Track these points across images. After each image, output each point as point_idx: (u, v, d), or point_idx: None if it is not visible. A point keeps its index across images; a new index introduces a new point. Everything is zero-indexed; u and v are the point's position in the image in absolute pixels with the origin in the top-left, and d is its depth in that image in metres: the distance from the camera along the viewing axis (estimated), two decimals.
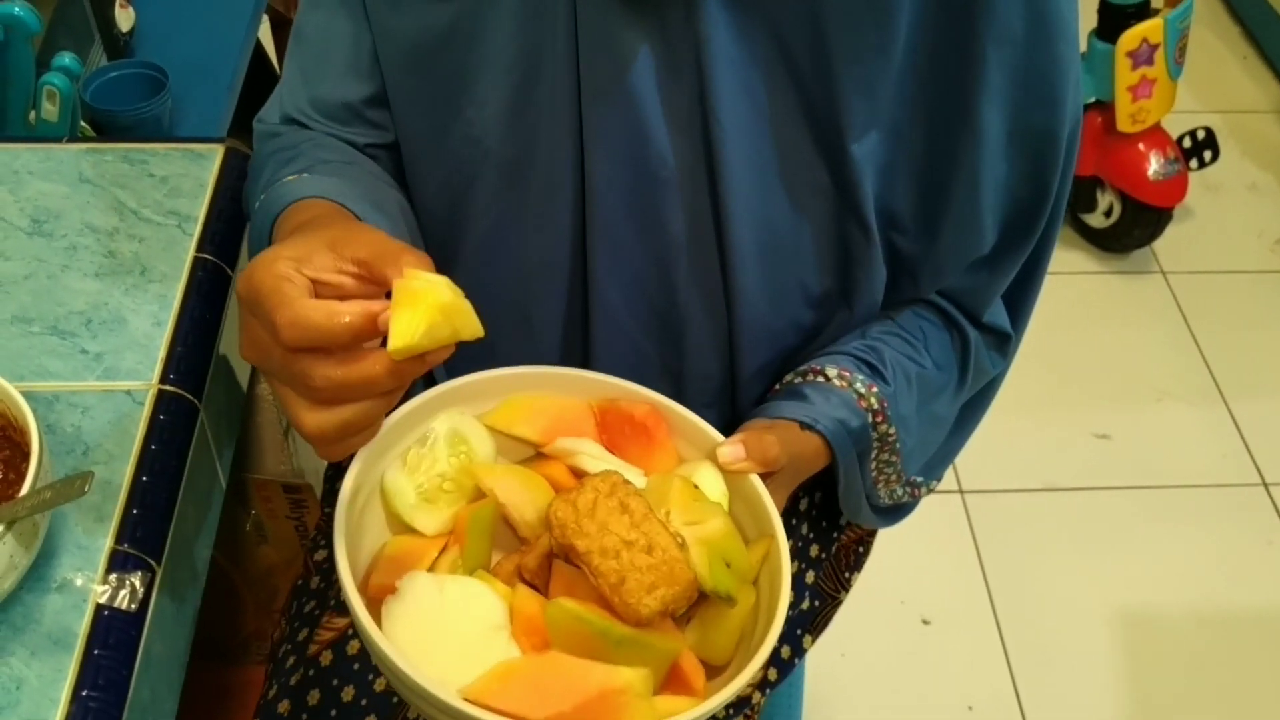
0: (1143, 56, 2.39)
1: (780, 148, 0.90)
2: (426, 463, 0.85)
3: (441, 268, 1.01)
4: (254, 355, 0.72)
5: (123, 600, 0.83)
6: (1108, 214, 2.65)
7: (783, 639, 1.10)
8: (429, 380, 1.00)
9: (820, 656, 1.93)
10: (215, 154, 1.16)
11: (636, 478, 0.85)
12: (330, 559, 0.75)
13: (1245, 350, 2.55)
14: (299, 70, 1.01)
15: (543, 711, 0.72)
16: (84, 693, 0.79)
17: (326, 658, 1.04)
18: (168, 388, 0.96)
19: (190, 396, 0.97)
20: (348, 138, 0.99)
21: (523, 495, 0.84)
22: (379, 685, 1.01)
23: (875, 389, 0.96)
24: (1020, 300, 1.05)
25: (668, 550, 0.76)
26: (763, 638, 0.77)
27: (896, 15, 0.84)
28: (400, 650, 0.71)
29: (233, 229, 1.11)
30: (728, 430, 0.89)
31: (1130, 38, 2.38)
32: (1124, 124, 2.47)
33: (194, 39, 1.73)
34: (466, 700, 0.70)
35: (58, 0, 1.52)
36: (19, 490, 0.78)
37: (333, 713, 1.01)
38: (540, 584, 0.81)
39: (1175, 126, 2.61)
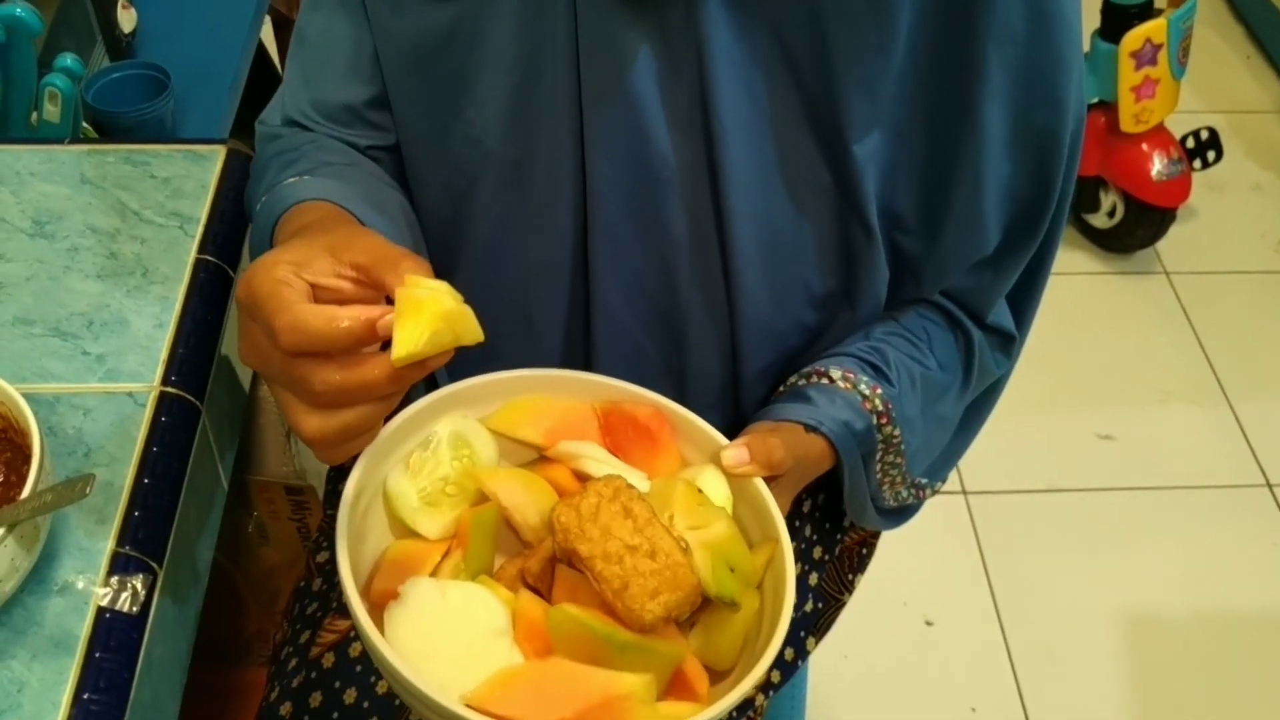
0: (1146, 56, 2.39)
1: (781, 148, 0.90)
2: (429, 466, 0.84)
3: (443, 269, 1.02)
4: (254, 360, 0.72)
5: (124, 603, 0.83)
6: (1111, 214, 2.65)
7: (786, 641, 1.10)
8: (430, 383, 0.99)
9: (823, 658, 1.92)
10: (217, 155, 1.16)
11: (640, 481, 0.85)
12: (332, 561, 0.75)
13: (1249, 351, 2.54)
14: (300, 72, 1.01)
15: (545, 718, 0.71)
16: (85, 696, 0.78)
17: (328, 660, 1.04)
18: (169, 389, 0.96)
19: (192, 398, 0.97)
20: (349, 140, 0.99)
21: (525, 498, 0.84)
22: (381, 688, 1.01)
23: (880, 390, 0.96)
24: (1024, 301, 1.04)
25: (671, 555, 0.75)
26: (767, 643, 0.77)
27: (897, 15, 0.83)
28: (402, 655, 0.71)
29: (235, 230, 1.10)
30: (731, 432, 0.89)
31: (1133, 38, 2.37)
32: (1127, 124, 2.47)
33: (196, 40, 1.73)
34: (469, 706, 0.70)
35: (60, 1, 1.53)
36: (20, 493, 0.78)
37: (335, 715, 1.01)
38: (543, 588, 0.80)
39: (1178, 127, 2.61)
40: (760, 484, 0.85)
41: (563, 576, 0.79)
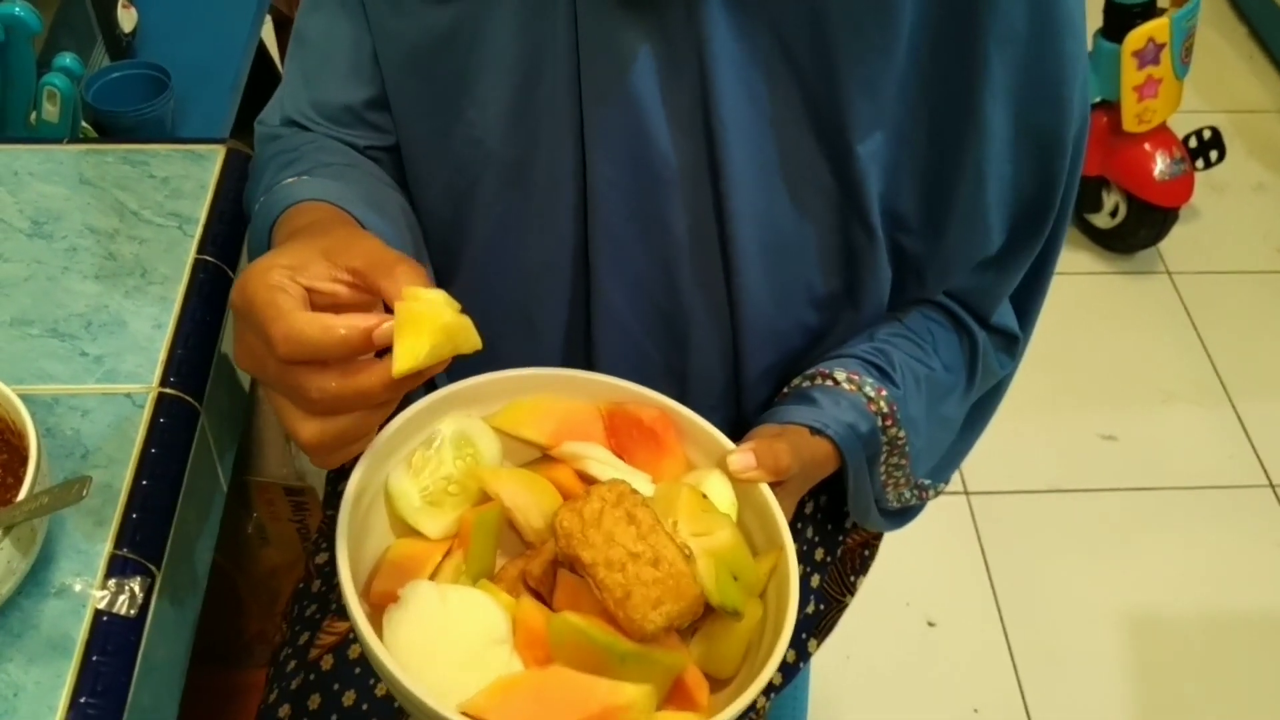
0: (1149, 56, 2.39)
1: (783, 148, 0.90)
2: (432, 465, 0.84)
3: (443, 270, 1.02)
4: (249, 365, 0.71)
5: (122, 606, 0.83)
6: (1113, 214, 2.64)
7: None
8: (430, 384, 0.99)
9: (825, 659, 1.92)
10: (216, 155, 1.15)
11: (644, 483, 0.84)
12: (332, 563, 0.75)
13: (1252, 351, 2.54)
14: (300, 73, 1.00)
15: None
16: (82, 699, 0.78)
17: (328, 662, 1.04)
18: (168, 390, 0.95)
19: (191, 399, 0.96)
20: (349, 140, 0.99)
21: (528, 499, 0.84)
22: (380, 690, 1.01)
23: (884, 392, 0.95)
24: (1028, 301, 1.04)
25: (674, 564, 0.75)
26: (769, 652, 0.76)
27: (899, 14, 0.83)
28: (400, 661, 0.71)
29: (234, 230, 1.10)
30: (733, 433, 0.88)
31: (1136, 37, 2.37)
32: (1130, 124, 2.47)
33: (197, 39, 1.73)
34: (466, 715, 0.70)
35: (60, 1, 1.52)
36: (17, 495, 0.77)
37: (333, 717, 1.00)
38: (545, 591, 0.80)
39: (1181, 126, 2.60)
40: (766, 490, 0.85)
41: (564, 580, 0.78)
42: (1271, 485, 2.29)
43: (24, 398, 0.82)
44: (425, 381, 0.72)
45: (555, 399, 0.89)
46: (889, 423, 0.96)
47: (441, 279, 1.03)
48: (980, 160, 0.90)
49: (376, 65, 0.97)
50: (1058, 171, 0.92)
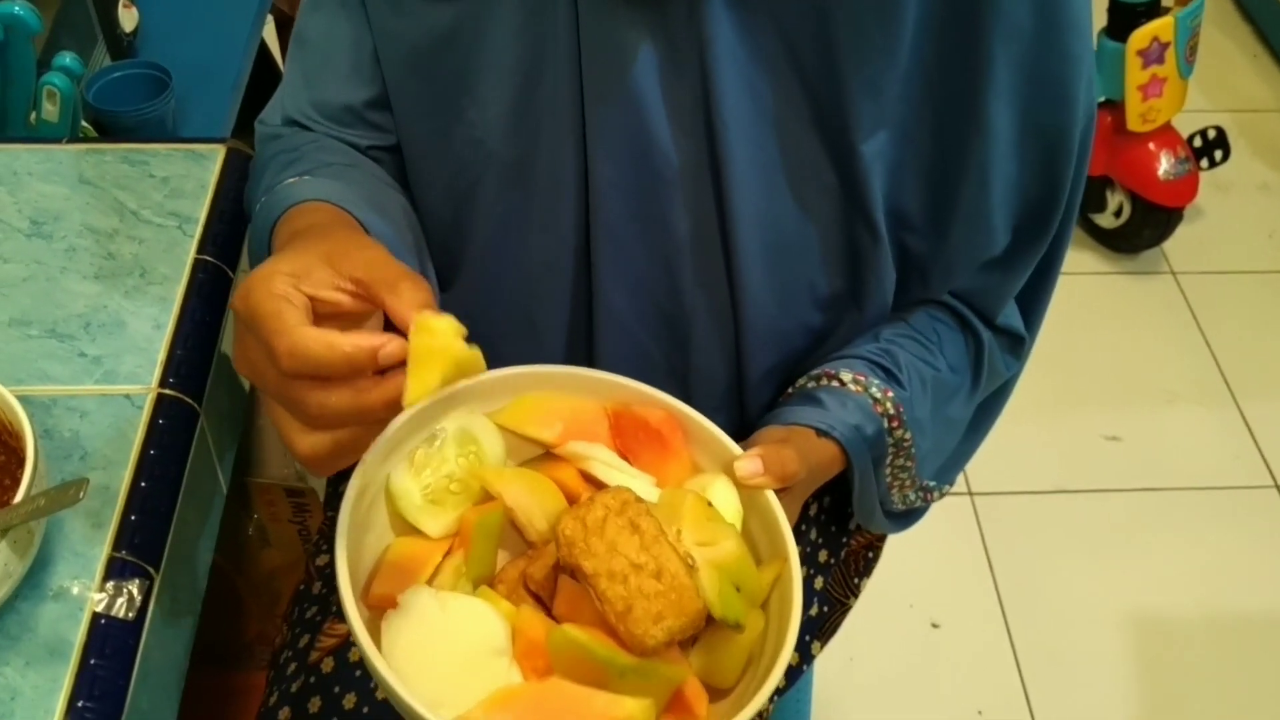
0: (1153, 55, 2.38)
1: (786, 147, 0.89)
2: (434, 463, 0.83)
3: (445, 270, 1.01)
4: (249, 372, 0.71)
5: (120, 609, 0.82)
6: (1117, 214, 2.64)
7: None
8: None
9: (828, 661, 1.91)
10: (217, 154, 1.15)
11: (648, 487, 0.84)
12: (333, 564, 0.74)
13: (1256, 351, 2.53)
14: (300, 73, 1.00)
15: None
16: (80, 703, 0.77)
17: (328, 665, 1.03)
18: (168, 391, 0.95)
19: (190, 400, 0.96)
20: (350, 140, 0.99)
21: (531, 500, 0.83)
22: (381, 694, 1.00)
23: (891, 393, 0.95)
24: (1033, 301, 1.04)
25: (677, 576, 0.74)
26: (770, 665, 0.75)
27: (903, 13, 0.83)
28: (398, 670, 0.70)
29: (234, 230, 1.09)
30: (737, 434, 0.88)
31: (1140, 36, 2.36)
32: (1134, 123, 2.46)
33: (198, 39, 1.72)
34: None
35: (60, 0, 1.52)
36: (13, 497, 0.77)
37: None
38: (545, 595, 0.79)
39: (1185, 126, 2.59)
40: (772, 498, 0.84)
41: (565, 587, 0.78)
42: (1276, 486, 2.28)
43: (22, 399, 0.82)
44: None
45: (561, 397, 0.88)
46: (895, 424, 0.95)
47: (443, 279, 1.02)
48: (984, 160, 0.89)
49: (377, 65, 0.96)
50: (1063, 171, 0.92)
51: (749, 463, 0.84)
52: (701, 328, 0.98)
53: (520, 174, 0.94)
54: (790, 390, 1.00)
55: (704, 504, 0.80)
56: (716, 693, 0.80)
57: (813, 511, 1.14)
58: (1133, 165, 2.53)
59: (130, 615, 0.82)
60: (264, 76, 1.88)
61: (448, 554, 0.82)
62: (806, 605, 1.10)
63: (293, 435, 0.70)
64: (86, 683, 0.78)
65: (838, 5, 0.82)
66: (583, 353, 1.02)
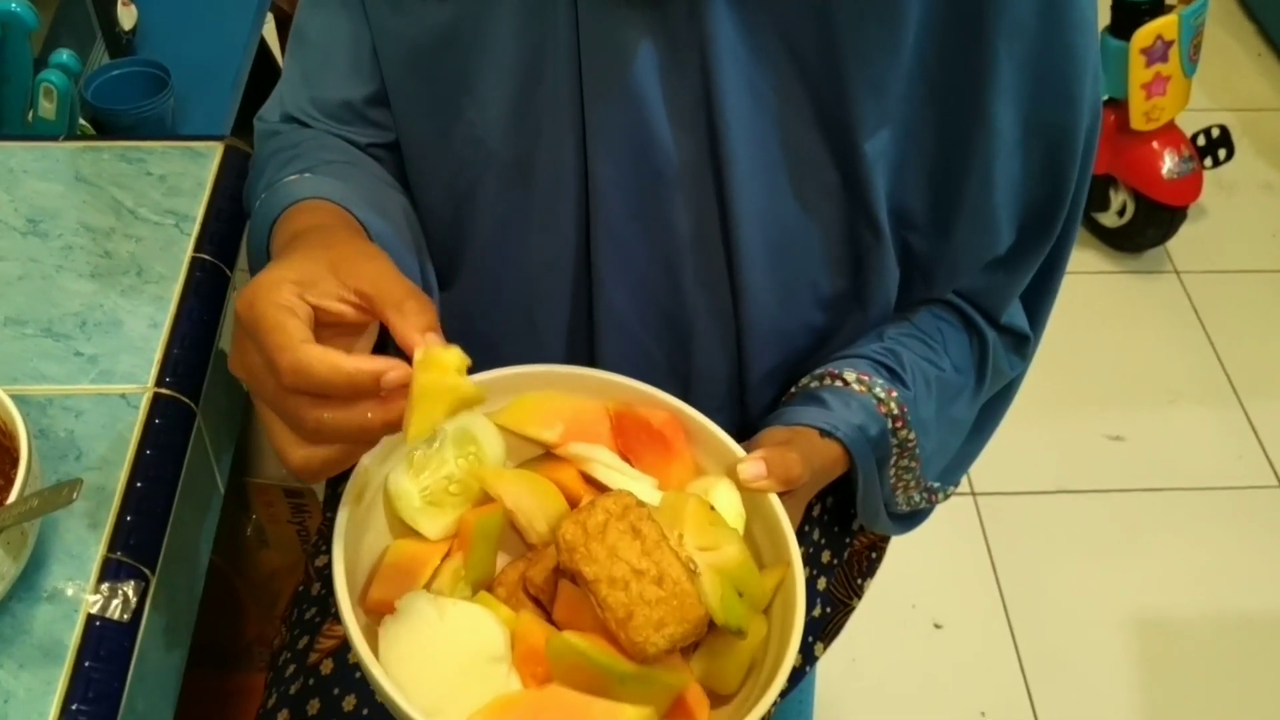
0: (1157, 53, 2.37)
1: (788, 146, 0.89)
2: (433, 464, 0.83)
3: (446, 270, 1.01)
4: (245, 376, 0.71)
5: (115, 610, 0.81)
6: (1121, 213, 2.63)
7: None
8: None
9: (831, 662, 1.91)
10: (214, 152, 1.14)
11: (650, 489, 0.83)
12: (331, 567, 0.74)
13: (1260, 350, 2.52)
14: (300, 71, 1.00)
15: None
16: (74, 706, 0.76)
17: (327, 666, 1.03)
18: (164, 391, 0.94)
19: (187, 400, 0.95)
20: (349, 137, 0.98)
21: (531, 501, 0.82)
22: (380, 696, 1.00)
23: (895, 394, 0.94)
24: (1038, 301, 1.03)
25: (679, 583, 0.73)
26: (773, 671, 0.75)
27: (905, 11, 0.82)
28: (395, 676, 0.70)
29: (232, 228, 1.09)
30: (739, 434, 0.87)
31: (1144, 34, 2.36)
32: (1138, 122, 2.45)
33: (197, 37, 1.71)
34: None
35: None
36: (7, 497, 0.76)
37: None
38: (545, 599, 0.79)
39: (1189, 125, 2.59)
40: (776, 502, 0.83)
41: (565, 591, 0.77)
42: None
43: (17, 398, 0.81)
44: None
45: (562, 397, 0.88)
46: (899, 425, 0.94)
47: (443, 279, 1.01)
48: (988, 159, 0.89)
49: (376, 62, 0.96)
50: (1068, 169, 0.91)
51: (752, 465, 0.83)
52: (703, 327, 0.97)
53: (520, 173, 0.93)
54: (793, 390, 0.99)
55: (706, 508, 0.79)
56: (718, 698, 0.79)
57: (816, 512, 1.13)
58: (1136, 164, 2.53)
59: (125, 617, 0.82)
60: (264, 75, 1.87)
61: (446, 556, 0.81)
62: (809, 606, 1.10)
63: (285, 445, 0.70)
64: (81, 685, 0.78)
65: (839, 3, 0.82)
66: (584, 353, 1.01)
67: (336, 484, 1.21)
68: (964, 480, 2.23)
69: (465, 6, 0.88)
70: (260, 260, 0.88)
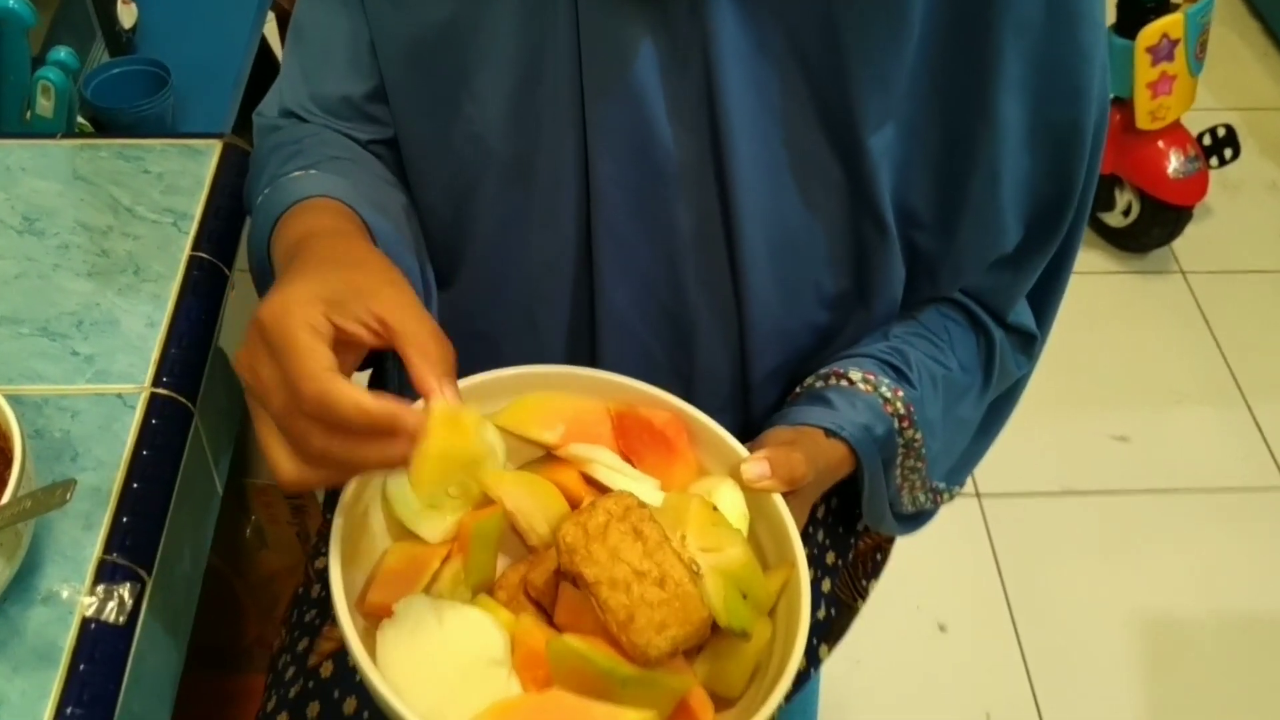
0: (1163, 52, 2.37)
1: (790, 143, 0.88)
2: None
3: (446, 270, 1.00)
4: (253, 384, 0.70)
5: (110, 612, 0.81)
6: (1126, 213, 2.63)
7: None
8: None
9: (834, 664, 1.88)
10: (213, 150, 1.14)
11: (652, 490, 0.82)
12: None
13: (1266, 351, 2.52)
14: (299, 66, 0.99)
15: None
16: (68, 710, 0.76)
17: (327, 669, 1.02)
18: (161, 391, 0.93)
19: (184, 400, 0.94)
20: (350, 134, 0.98)
21: (531, 504, 0.82)
22: None
23: (901, 393, 0.93)
24: (1045, 300, 1.03)
25: (681, 584, 0.72)
26: (778, 674, 0.74)
27: (910, 7, 0.81)
28: (393, 681, 0.69)
29: (231, 227, 1.08)
30: (742, 435, 0.86)
31: (1150, 33, 2.35)
32: (1143, 121, 2.45)
33: (198, 36, 1.71)
34: None
35: None
36: (0, 498, 0.75)
37: None
38: (546, 602, 0.78)
39: (1194, 125, 2.59)
40: (780, 503, 0.82)
41: (566, 594, 0.76)
42: None
43: (12, 398, 0.81)
44: None
45: (563, 397, 0.87)
46: (906, 424, 0.94)
47: (443, 278, 1.01)
48: (994, 156, 0.88)
49: (376, 58, 0.95)
50: (1075, 166, 0.90)
51: (756, 465, 0.82)
52: (705, 327, 0.97)
53: (520, 172, 0.92)
54: (798, 390, 0.98)
55: (709, 509, 0.79)
56: (722, 702, 0.78)
57: (820, 513, 1.12)
58: (1142, 163, 2.52)
59: (121, 619, 0.81)
60: (265, 73, 1.86)
61: (446, 559, 0.80)
62: (814, 608, 1.09)
63: (280, 459, 0.69)
64: (76, 688, 0.77)
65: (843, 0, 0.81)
66: (585, 353, 1.01)
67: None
68: (968, 481, 2.22)
69: (465, 3, 0.88)
70: (262, 256, 0.87)
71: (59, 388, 0.93)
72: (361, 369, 0.83)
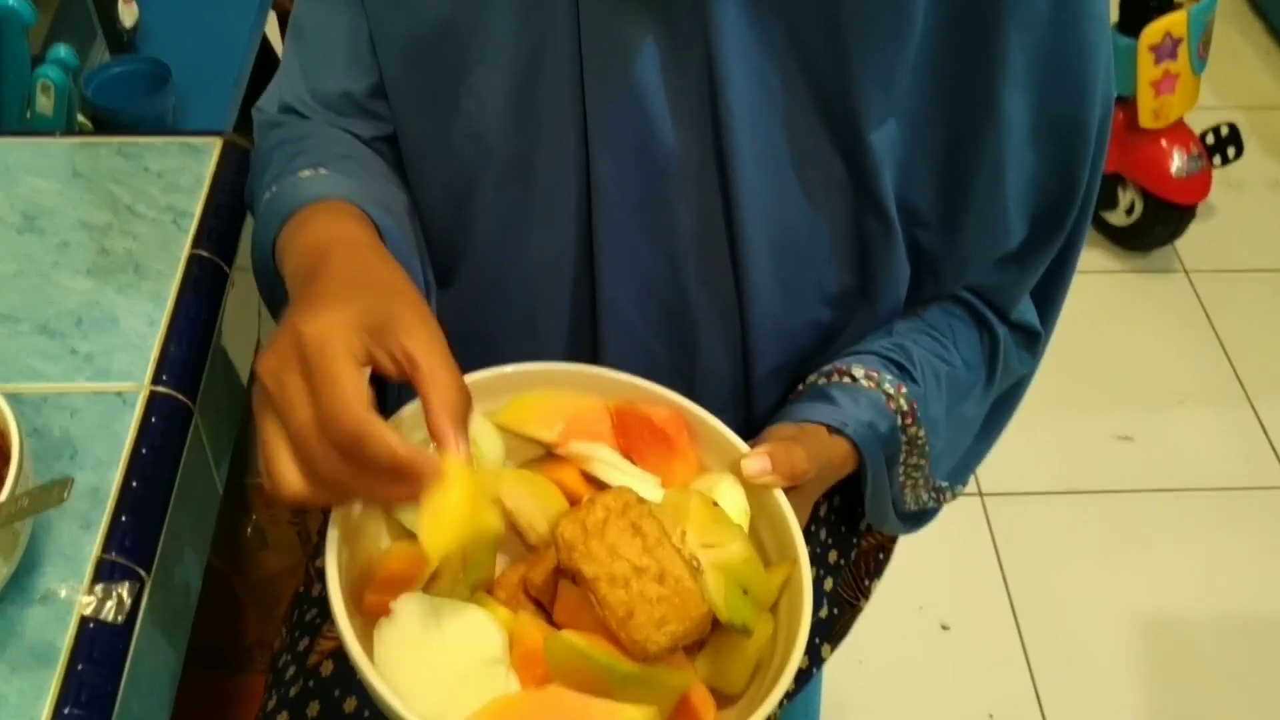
0: (1166, 50, 2.36)
1: (793, 139, 0.87)
2: None
3: (445, 270, 1.00)
4: (276, 393, 0.69)
5: (109, 612, 0.80)
6: (1129, 212, 2.62)
7: None
8: None
9: (837, 664, 1.88)
10: (213, 147, 1.13)
11: (652, 488, 0.82)
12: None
13: (1270, 350, 2.52)
14: (299, 63, 0.99)
15: None
16: (66, 710, 0.75)
17: (327, 668, 1.02)
18: (160, 389, 0.93)
19: (184, 399, 0.94)
20: (352, 130, 0.97)
21: (531, 502, 0.81)
22: None
23: (904, 390, 0.93)
24: (1049, 297, 1.02)
25: (681, 580, 0.72)
26: (780, 671, 0.73)
27: (913, 1, 0.81)
28: (391, 680, 0.69)
29: (231, 225, 1.08)
30: (745, 434, 0.86)
31: (1153, 31, 2.35)
32: (1146, 119, 2.44)
33: (199, 35, 1.70)
34: None
35: None
36: None
37: None
38: (546, 601, 0.77)
39: (1197, 123, 2.58)
40: (781, 498, 0.82)
41: (566, 591, 0.76)
42: None
43: (11, 397, 0.80)
44: None
45: (562, 395, 0.86)
46: (909, 421, 0.93)
47: (443, 277, 1.01)
48: (999, 153, 0.88)
49: (375, 53, 0.94)
50: (1080, 163, 0.90)
51: (756, 461, 0.82)
52: (707, 326, 0.96)
53: (520, 170, 0.92)
54: (800, 388, 0.98)
55: (709, 505, 0.78)
56: (724, 699, 0.77)
57: (823, 512, 1.12)
58: (1145, 162, 2.52)
59: (120, 619, 0.80)
60: (266, 73, 1.86)
61: (446, 560, 0.80)
62: (816, 607, 1.08)
63: (285, 471, 0.69)
64: (74, 688, 0.76)
65: None
66: (587, 353, 1.00)
67: None
68: (971, 480, 2.22)
69: (464, 1, 0.87)
70: (265, 255, 0.86)
71: (58, 386, 0.93)
72: None
